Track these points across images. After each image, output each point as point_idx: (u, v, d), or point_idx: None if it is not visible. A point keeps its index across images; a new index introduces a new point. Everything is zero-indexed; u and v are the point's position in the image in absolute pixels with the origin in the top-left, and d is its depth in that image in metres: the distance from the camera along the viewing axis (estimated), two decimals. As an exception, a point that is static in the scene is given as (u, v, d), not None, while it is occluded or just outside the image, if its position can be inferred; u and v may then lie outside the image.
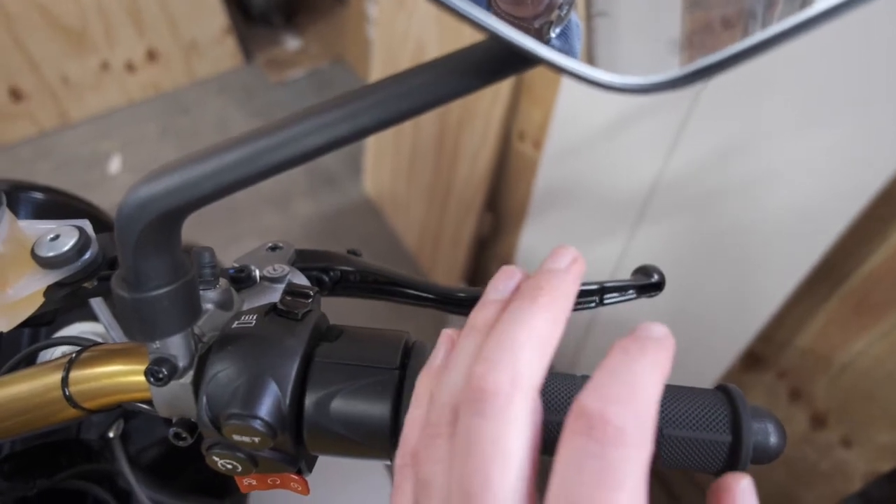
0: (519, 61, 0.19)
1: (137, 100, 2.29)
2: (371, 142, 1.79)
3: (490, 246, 1.57)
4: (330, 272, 0.39)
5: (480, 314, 0.22)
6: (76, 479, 0.45)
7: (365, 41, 2.18)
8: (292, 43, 2.54)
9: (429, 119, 1.51)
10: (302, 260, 0.38)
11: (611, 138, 1.03)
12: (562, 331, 0.21)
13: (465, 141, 1.43)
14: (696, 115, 0.86)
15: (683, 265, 0.96)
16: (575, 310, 0.40)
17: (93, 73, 2.16)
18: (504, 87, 1.25)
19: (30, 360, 0.41)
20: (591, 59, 0.18)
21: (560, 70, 0.17)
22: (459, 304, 0.40)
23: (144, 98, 2.30)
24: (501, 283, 0.23)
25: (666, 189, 0.95)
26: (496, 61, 0.19)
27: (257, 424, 0.24)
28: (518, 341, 0.20)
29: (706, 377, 0.99)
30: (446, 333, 0.24)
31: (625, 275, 0.42)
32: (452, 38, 1.35)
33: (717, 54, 0.16)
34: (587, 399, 0.18)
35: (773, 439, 0.24)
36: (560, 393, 0.25)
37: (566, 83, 1.07)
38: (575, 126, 1.10)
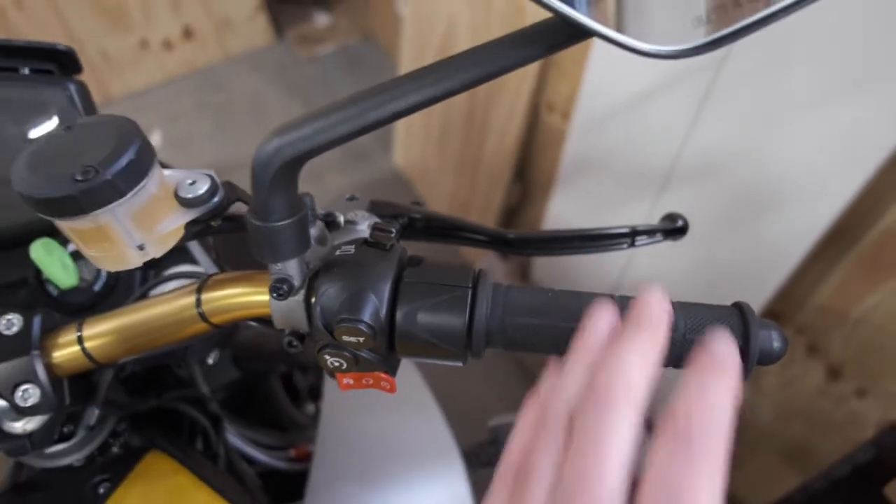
0: (576, 34, 0.24)
1: (174, 76, 2.37)
2: (402, 137, 1.85)
3: (518, 216, 1.63)
4: (399, 218, 0.46)
5: (587, 340, 0.26)
6: (177, 401, 0.53)
7: (394, 18, 2.22)
8: (322, 19, 2.59)
9: (459, 97, 1.55)
10: (375, 209, 0.45)
11: (636, 108, 1.08)
12: (661, 354, 0.25)
13: (495, 114, 1.48)
14: (718, 84, 0.90)
15: (706, 229, 1.01)
16: (606, 251, 0.46)
17: (132, 51, 2.24)
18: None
19: (142, 295, 0.49)
20: (632, 32, 0.23)
21: (609, 41, 0.23)
22: (509, 244, 0.47)
23: (180, 75, 2.38)
24: (599, 318, 0.27)
25: (689, 156, 1.00)
26: (559, 34, 0.25)
27: (362, 326, 0.30)
28: (631, 359, 0.23)
29: (727, 334, 1.05)
30: (551, 365, 0.27)
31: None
32: (483, 15, 1.39)
33: (730, 27, 0.21)
34: (677, 408, 0.21)
35: (776, 344, 0.29)
36: None
37: (594, 58, 1.12)
38: (602, 97, 1.15)
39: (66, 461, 0.44)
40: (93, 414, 0.45)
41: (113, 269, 0.31)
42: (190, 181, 0.31)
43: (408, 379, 0.60)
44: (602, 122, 1.18)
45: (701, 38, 0.22)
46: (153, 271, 0.50)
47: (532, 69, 1.29)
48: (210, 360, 0.53)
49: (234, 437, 0.58)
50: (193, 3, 2.26)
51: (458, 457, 0.53)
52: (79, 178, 0.26)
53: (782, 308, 1.00)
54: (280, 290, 0.31)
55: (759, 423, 1.15)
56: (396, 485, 0.50)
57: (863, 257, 0.85)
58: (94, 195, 0.26)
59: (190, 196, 0.31)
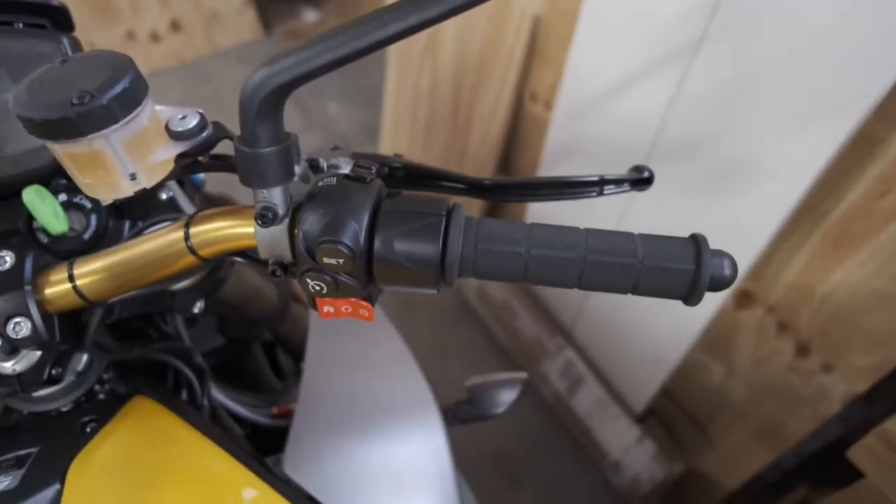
0: None
1: (162, 69, 2.37)
2: (388, 108, 1.87)
3: (502, 204, 1.66)
4: (381, 167, 0.48)
5: None
6: (163, 353, 0.55)
7: (381, 13, 2.24)
8: (310, 15, 2.61)
9: (445, 83, 1.58)
10: (356, 157, 0.47)
11: (615, 96, 1.11)
12: None
13: (480, 105, 1.51)
14: (692, 72, 0.94)
15: (681, 210, 1.05)
16: (578, 198, 0.48)
17: (119, 43, 2.25)
18: (517, 52, 1.33)
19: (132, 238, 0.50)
20: None
21: None
22: (486, 190, 0.48)
23: (168, 67, 2.38)
24: None
25: (665, 141, 1.04)
26: None
27: (342, 247, 0.32)
28: None
29: (700, 312, 1.09)
30: None
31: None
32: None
33: None
34: None
35: (727, 271, 0.32)
36: None
37: (576, 47, 1.15)
38: (583, 86, 1.18)
39: (53, 405, 0.45)
40: (80, 359, 0.46)
41: (106, 198, 0.32)
42: (181, 116, 0.33)
43: (388, 339, 0.62)
44: (583, 111, 1.21)
45: None
46: (141, 222, 0.51)
47: (517, 58, 1.32)
48: (196, 310, 0.54)
49: (218, 393, 0.59)
50: (182, -3, 2.27)
51: (436, 411, 0.55)
52: (75, 101, 0.28)
53: (755, 287, 1.04)
54: (265, 217, 0.33)
55: (733, 403, 1.18)
56: (376, 435, 0.52)
57: (828, 235, 0.89)
58: (89, 118, 0.28)
59: (180, 129, 0.32)
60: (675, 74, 0.96)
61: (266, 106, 0.29)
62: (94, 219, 0.48)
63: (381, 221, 0.33)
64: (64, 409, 0.46)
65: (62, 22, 0.47)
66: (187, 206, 0.52)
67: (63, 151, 0.30)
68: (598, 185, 0.46)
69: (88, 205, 0.48)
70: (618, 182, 0.47)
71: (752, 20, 0.83)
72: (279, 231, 0.34)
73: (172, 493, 0.39)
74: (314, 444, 0.50)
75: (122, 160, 0.31)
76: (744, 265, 0.97)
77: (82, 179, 0.32)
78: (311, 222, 0.33)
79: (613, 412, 1.35)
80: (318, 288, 0.35)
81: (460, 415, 0.61)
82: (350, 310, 0.37)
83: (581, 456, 1.44)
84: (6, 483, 0.38)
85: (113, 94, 0.29)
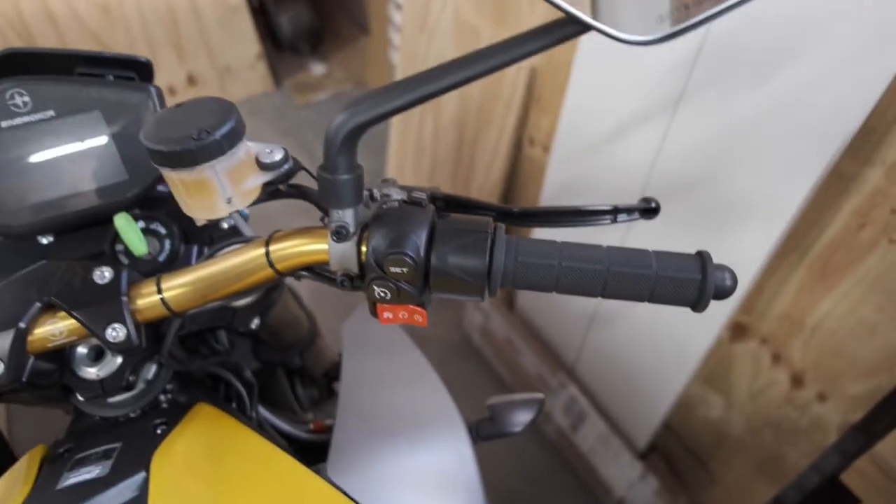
0: (577, 29, 0.31)
1: (177, 121, 2.48)
2: (392, 153, 1.96)
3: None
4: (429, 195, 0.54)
5: None
6: (219, 366, 0.60)
7: (385, 66, 2.36)
8: (318, 68, 2.74)
9: (447, 129, 1.67)
10: (405, 189, 0.53)
11: (608, 141, 1.18)
12: None
13: (481, 149, 1.58)
14: (677, 117, 1.00)
15: (672, 246, 1.09)
16: (593, 224, 0.53)
17: (137, 97, 2.36)
18: (516, 99, 1.40)
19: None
20: (616, 26, 0.30)
21: (601, 32, 0.29)
22: (514, 217, 0.53)
23: (183, 119, 2.50)
24: None
25: (655, 181, 1.09)
26: (565, 29, 0.32)
27: (407, 258, 0.37)
28: None
29: (697, 344, 1.12)
30: None
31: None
32: (469, 57, 1.51)
33: (683, 24, 0.29)
34: None
35: (728, 282, 0.38)
36: None
37: (571, 94, 1.23)
38: (578, 131, 1.25)
39: (124, 410, 0.50)
40: (150, 369, 0.51)
41: (203, 217, 0.38)
42: (269, 150, 0.39)
43: (415, 361, 0.66)
44: (578, 154, 1.28)
45: (664, 31, 0.30)
46: (207, 248, 0.57)
47: (515, 106, 1.40)
48: (252, 326, 0.60)
49: (261, 408, 0.64)
50: (198, 53, 2.40)
51: (462, 426, 0.59)
52: (195, 136, 0.34)
53: (748, 320, 1.07)
54: (340, 233, 0.39)
55: (733, 437, 1.20)
56: (409, 446, 0.56)
57: (813, 267, 0.93)
58: (205, 151, 0.35)
59: (268, 161, 0.39)
60: (662, 122, 1.03)
61: (346, 141, 0.36)
62: (167, 243, 0.54)
63: (437, 238, 0.39)
64: (132, 415, 0.51)
65: (146, 75, 0.53)
66: (248, 232, 0.58)
67: (178, 177, 0.36)
68: (611, 213, 0.51)
69: (163, 231, 0.55)
70: (629, 211, 0.52)
71: (728, 73, 0.90)
72: (349, 246, 0.40)
73: (248, 484, 0.44)
74: (354, 453, 0.54)
75: (223, 186, 0.37)
76: (735, 298, 1.01)
77: (187, 201, 0.38)
78: (379, 238, 0.39)
79: (616, 448, 1.36)
80: (382, 294, 0.40)
81: (482, 431, 0.64)
82: (406, 315, 0.42)
83: (585, 493, 1.44)
84: (98, 471, 0.42)
85: (224, 132, 0.35)
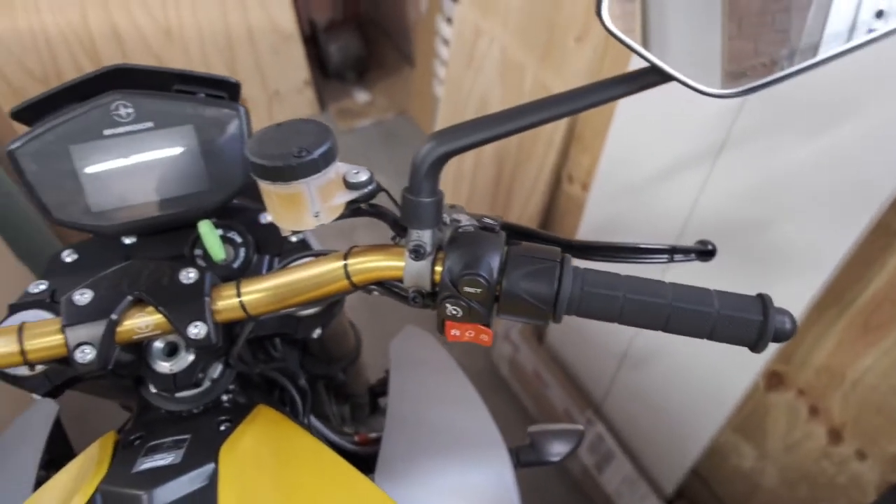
0: (659, 79, 0.34)
1: (224, 139, 2.58)
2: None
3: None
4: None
5: None
6: (277, 372, 0.63)
7: (427, 97, 2.43)
8: (362, 96, 2.83)
9: (488, 162, 1.70)
10: (474, 216, 0.55)
11: (648, 184, 1.20)
12: None
13: (520, 183, 1.61)
14: (719, 163, 1.02)
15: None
16: (650, 262, 0.54)
17: (189, 114, 2.47)
18: (557, 137, 1.44)
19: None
20: (696, 79, 0.33)
21: (683, 83, 0.32)
22: (573, 249, 0.53)
23: (230, 138, 2.59)
24: None
25: (696, 225, 1.10)
26: (647, 78, 0.35)
27: (481, 279, 0.40)
28: None
29: (731, 391, 1.11)
30: None
31: None
32: (514, 94, 1.56)
33: (759, 81, 0.32)
34: None
35: (788, 325, 0.39)
36: None
37: (613, 134, 1.25)
38: (618, 173, 1.27)
39: (189, 406, 0.53)
40: (217, 368, 0.54)
41: (291, 228, 0.41)
42: (355, 171, 0.42)
43: (461, 383, 0.68)
44: (618, 195, 1.30)
45: (743, 86, 0.33)
46: (277, 258, 0.60)
47: (556, 143, 1.43)
48: (314, 335, 0.63)
49: (312, 417, 0.66)
50: (251, 77, 2.51)
51: (504, 449, 0.60)
52: (296, 154, 0.38)
53: (785, 369, 1.06)
54: (418, 252, 0.41)
55: (765, 488, 1.17)
56: (454, 462, 0.57)
57: (855, 321, 0.93)
58: (304, 168, 0.38)
59: (354, 181, 0.41)
60: (703, 167, 1.05)
61: (432, 167, 0.39)
62: (242, 251, 0.58)
63: (510, 263, 0.41)
64: (195, 411, 0.53)
65: (234, 94, 0.58)
66: (317, 246, 0.62)
67: (274, 190, 0.39)
68: (668, 253, 0.52)
69: (239, 240, 0.58)
70: (686, 252, 0.53)
71: (774, 123, 0.92)
72: (425, 265, 0.42)
73: (311, 485, 0.46)
74: (401, 465, 0.55)
75: (314, 201, 0.40)
76: (772, 346, 1.00)
77: (279, 212, 0.41)
78: (455, 258, 0.41)
79: (643, 492, 1.34)
80: (454, 312, 0.42)
81: (522, 458, 0.65)
82: (472, 334, 0.44)
83: (608, 536, 1.41)
84: (171, 459, 0.45)
85: (322, 151, 0.38)
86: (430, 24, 2.26)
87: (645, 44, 0.32)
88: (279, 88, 2.62)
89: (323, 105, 2.77)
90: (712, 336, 0.40)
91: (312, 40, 2.88)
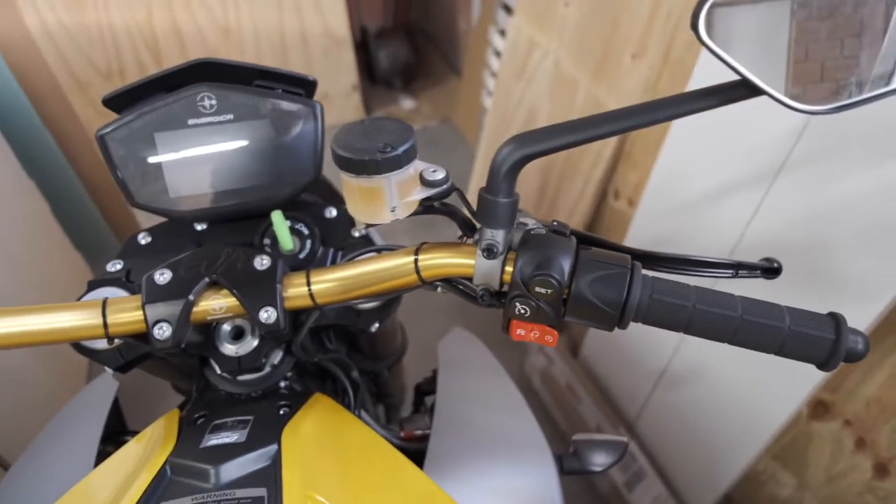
0: (748, 93, 0.34)
1: (272, 137, 2.65)
2: (475, 178, 2.02)
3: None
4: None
5: None
6: (332, 363, 0.64)
7: (474, 108, 2.45)
8: (407, 103, 2.88)
9: (532, 173, 1.71)
10: (543, 220, 0.56)
11: (699, 205, 1.19)
12: None
13: (565, 195, 1.62)
14: (772, 193, 1.01)
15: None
16: (713, 276, 0.54)
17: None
18: (606, 152, 1.44)
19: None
20: (787, 95, 0.33)
21: (774, 99, 0.33)
22: (637, 258, 0.51)
23: (278, 137, 2.66)
24: None
25: (744, 250, 1.09)
26: (736, 91, 0.35)
27: (552, 280, 0.40)
28: None
29: (772, 417, 1.09)
30: None
31: None
32: (564, 108, 1.57)
33: (852, 99, 0.32)
34: None
35: (860, 346, 0.39)
36: None
37: (665, 151, 1.25)
38: (668, 191, 1.27)
39: (249, 389, 0.55)
40: (278, 355, 0.56)
41: (368, 221, 0.43)
42: (432, 170, 0.43)
43: (507, 387, 0.69)
44: (666, 213, 1.29)
45: (836, 103, 0.33)
46: (340, 252, 0.62)
47: (605, 158, 1.43)
48: (372, 329, 0.64)
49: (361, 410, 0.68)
50: (301, 77, 2.58)
51: (549, 454, 0.61)
52: (381, 149, 0.39)
53: (832, 399, 1.04)
54: (490, 251, 0.42)
55: (804, 520, 1.14)
56: (499, 463, 0.58)
57: (911, 353, 0.90)
58: (388, 163, 0.39)
59: (431, 179, 0.43)
60: (758, 191, 1.04)
61: (511, 169, 0.40)
62: (308, 243, 0.59)
63: (580, 267, 0.42)
64: (254, 395, 0.55)
65: (310, 92, 0.60)
66: (380, 242, 0.63)
67: (356, 183, 0.41)
68: (734, 268, 0.51)
69: (306, 232, 0.60)
70: (751, 268, 0.52)
71: (836, 150, 0.91)
72: (496, 264, 0.43)
73: (369, 471, 0.47)
74: (449, 462, 0.57)
75: (392, 196, 0.42)
76: (819, 374, 0.98)
77: (358, 204, 0.43)
78: (527, 259, 0.42)
79: (673, 514, 1.32)
80: (522, 311, 0.43)
81: (566, 465, 0.65)
82: (538, 335, 0.44)
83: (635, 557, 1.39)
84: (236, 437, 0.47)
85: (405, 148, 0.40)
86: (481, 34, 2.29)
87: (738, 58, 0.32)
88: (328, 91, 2.68)
89: (368, 110, 2.82)
90: (781, 352, 0.40)
91: (363, 46, 2.94)
